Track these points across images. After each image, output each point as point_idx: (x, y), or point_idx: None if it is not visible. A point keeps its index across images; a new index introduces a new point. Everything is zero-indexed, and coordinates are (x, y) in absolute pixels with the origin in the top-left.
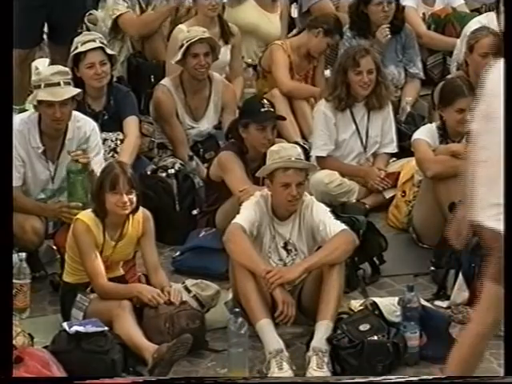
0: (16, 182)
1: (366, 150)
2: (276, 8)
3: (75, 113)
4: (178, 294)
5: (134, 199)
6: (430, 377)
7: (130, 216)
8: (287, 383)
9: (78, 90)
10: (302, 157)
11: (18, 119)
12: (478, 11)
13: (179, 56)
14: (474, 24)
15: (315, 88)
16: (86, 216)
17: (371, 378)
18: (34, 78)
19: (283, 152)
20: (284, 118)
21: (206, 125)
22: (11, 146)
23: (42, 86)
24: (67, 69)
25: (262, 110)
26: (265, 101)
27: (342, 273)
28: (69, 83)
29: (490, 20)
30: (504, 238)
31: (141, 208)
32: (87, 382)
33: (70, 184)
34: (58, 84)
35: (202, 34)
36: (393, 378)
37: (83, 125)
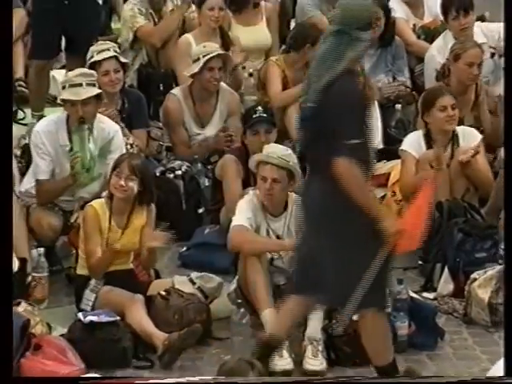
0: (44, 175)
1: None
2: (260, 17)
3: (101, 115)
4: None
5: (133, 186)
6: (430, 377)
7: (136, 206)
8: (287, 383)
9: (98, 91)
10: (291, 158)
11: (46, 120)
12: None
13: (196, 69)
14: (436, 45)
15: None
16: (97, 202)
17: (372, 378)
18: (61, 79)
19: (269, 149)
20: (274, 124)
21: (211, 130)
22: (11, 151)
23: (67, 86)
24: (92, 71)
25: (254, 116)
26: (259, 108)
27: None
28: (92, 84)
29: (448, 39)
30: (504, 238)
31: None
32: (91, 381)
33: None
34: (80, 85)
35: (218, 49)
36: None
37: (107, 127)
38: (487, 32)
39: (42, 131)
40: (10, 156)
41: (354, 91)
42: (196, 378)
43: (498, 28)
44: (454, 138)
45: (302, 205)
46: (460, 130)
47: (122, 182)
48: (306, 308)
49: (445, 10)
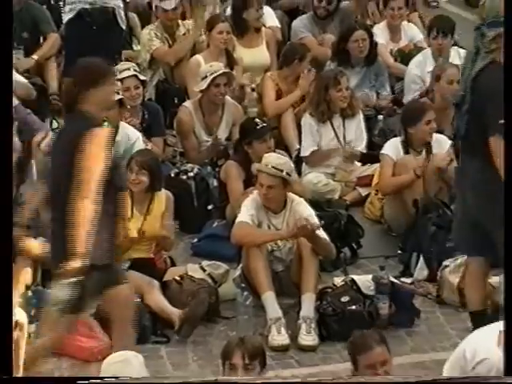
0: None
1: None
2: (261, 40)
3: (124, 124)
4: None
5: (144, 179)
6: (430, 378)
7: (155, 195)
8: (287, 383)
9: (119, 97)
10: (285, 167)
11: None
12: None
13: (204, 85)
14: (415, 60)
15: (293, 94)
16: None
17: (372, 379)
18: None
19: (266, 159)
20: (275, 128)
21: (218, 138)
22: (11, 151)
23: None
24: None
25: (258, 127)
26: (257, 120)
27: (316, 256)
28: (116, 93)
29: (426, 55)
30: (504, 240)
31: (164, 190)
32: (90, 381)
33: None
34: None
35: (223, 68)
36: (391, 377)
37: (130, 133)
38: (462, 55)
39: None
40: (10, 156)
41: (499, 78)
42: (198, 379)
43: None
44: (428, 145)
45: (463, 180)
46: (433, 137)
47: (134, 177)
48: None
49: (428, 29)
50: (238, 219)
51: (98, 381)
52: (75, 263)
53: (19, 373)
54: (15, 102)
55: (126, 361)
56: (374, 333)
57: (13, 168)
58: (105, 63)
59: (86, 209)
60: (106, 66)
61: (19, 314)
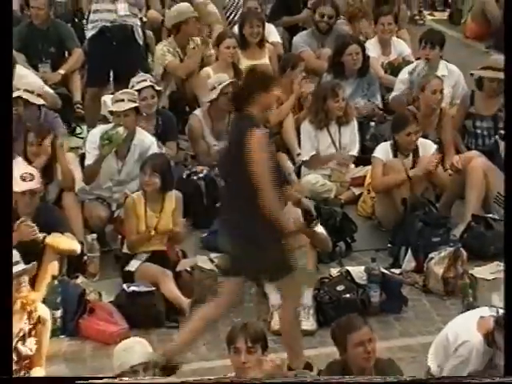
0: (90, 161)
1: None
2: (264, 54)
3: (140, 129)
4: None
5: (156, 180)
6: (430, 378)
7: (166, 194)
8: (287, 383)
9: (136, 104)
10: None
11: (100, 127)
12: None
13: (214, 96)
14: (404, 72)
15: (289, 100)
16: (135, 194)
17: (370, 379)
18: (109, 103)
19: None
20: (277, 133)
21: (225, 142)
22: (11, 151)
23: (114, 102)
24: (132, 91)
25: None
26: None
27: (315, 249)
28: (133, 101)
29: (418, 64)
30: (504, 236)
31: (174, 190)
32: (89, 381)
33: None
34: (123, 100)
35: (229, 79)
36: (391, 377)
37: (145, 138)
38: (450, 68)
39: (96, 133)
40: (10, 156)
41: None
42: (198, 378)
43: (457, 71)
44: (415, 149)
45: None
46: (419, 141)
47: (146, 178)
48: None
49: (420, 40)
50: None
51: (98, 381)
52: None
53: (42, 365)
54: (43, 108)
55: (129, 349)
56: (357, 316)
57: (42, 168)
58: (272, 71)
59: (275, 195)
60: (273, 73)
61: (42, 310)
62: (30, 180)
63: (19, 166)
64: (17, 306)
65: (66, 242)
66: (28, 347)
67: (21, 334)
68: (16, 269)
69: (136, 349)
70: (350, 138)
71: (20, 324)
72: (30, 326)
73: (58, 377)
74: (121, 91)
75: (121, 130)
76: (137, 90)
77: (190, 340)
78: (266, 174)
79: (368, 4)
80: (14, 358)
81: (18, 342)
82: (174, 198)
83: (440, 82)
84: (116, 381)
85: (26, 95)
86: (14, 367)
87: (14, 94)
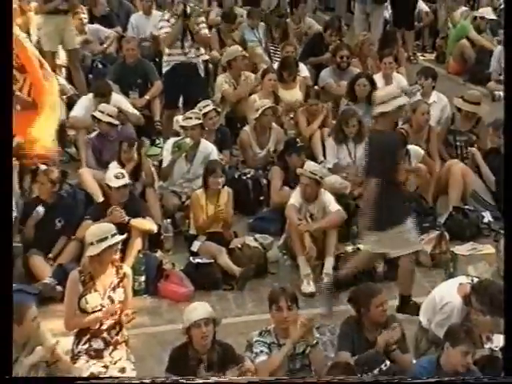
0: (165, 163)
1: (354, 165)
2: (295, 84)
3: (204, 140)
4: None
5: (223, 181)
6: (430, 378)
7: (221, 190)
8: (287, 383)
9: (200, 121)
10: (318, 172)
11: (173, 139)
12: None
13: (257, 115)
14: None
15: (317, 121)
16: (198, 190)
17: (371, 378)
18: (180, 121)
19: (306, 166)
20: (307, 147)
21: (267, 151)
22: (11, 151)
23: (183, 119)
24: (198, 111)
25: (297, 145)
26: (297, 139)
27: (335, 233)
28: (198, 118)
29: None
30: (504, 240)
31: (226, 187)
32: (89, 381)
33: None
34: (191, 118)
35: (269, 103)
36: (396, 378)
37: (207, 146)
38: (439, 96)
39: (170, 143)
40: (10, 156)
41: None
42: (199, 380)
43: (444, 98)
44: (406, 154)
45: None
46: (410, 148)
47: (219, 180)
48: None
49: (417, 73)
50: (289, 203)
51: (98, 381)
52: None
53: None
54: (120, 125)
55: (194, 309)
56: (374, 283)
57: (131, 172)
58: None
59: None
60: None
61: (126, 268)
62: (121, 178)
63: (114, 168)
64: (110, 267)
65: (146, 224)
66: (118, 295)
67: (112, 286)
68: (114, 239)
69: (199, 308)
70: (363, 151)
71: (111, 278)
72: (118, 280)
73: (58, 377)
74: (189, 111)
75: (188, 140)
76: (204, 113)
77: None
78: None
79: (374, 47)
80: (109, 303)
81: (110, 290)
82: (226, 192)
83: (427, 106)
84: (116, 381)
85: (107, 118)
86: (108, 311)
87: (98, 116)
